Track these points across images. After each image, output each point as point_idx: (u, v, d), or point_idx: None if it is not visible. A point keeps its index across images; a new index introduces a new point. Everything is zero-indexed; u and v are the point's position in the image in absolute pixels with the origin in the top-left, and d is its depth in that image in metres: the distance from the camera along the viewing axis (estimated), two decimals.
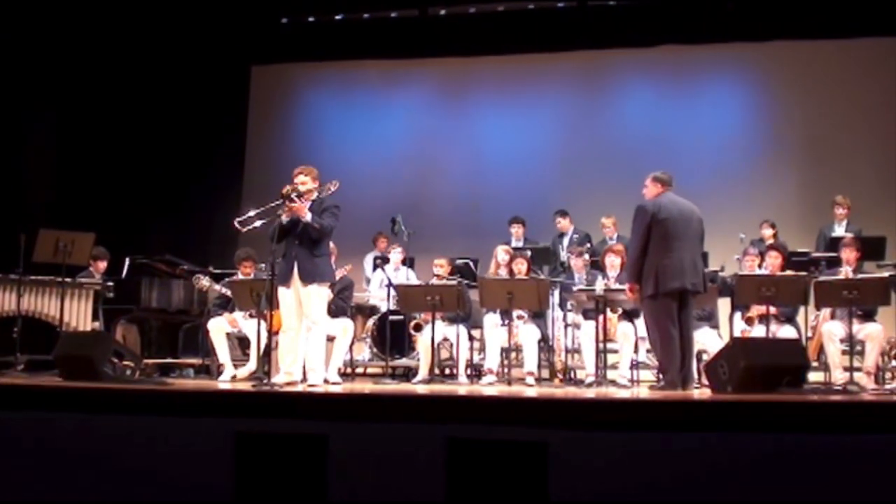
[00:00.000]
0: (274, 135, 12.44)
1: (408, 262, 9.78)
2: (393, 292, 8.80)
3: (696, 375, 7.59)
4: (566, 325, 8.54)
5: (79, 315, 8.42)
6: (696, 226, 6.82)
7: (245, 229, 6.83)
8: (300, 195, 6.71)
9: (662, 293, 6.63)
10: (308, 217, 6.73)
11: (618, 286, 7.63)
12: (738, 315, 8.06)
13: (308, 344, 6.85)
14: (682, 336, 6.71)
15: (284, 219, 6.73)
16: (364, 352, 9.49)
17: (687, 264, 6.65)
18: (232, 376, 7.83)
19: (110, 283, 8.71)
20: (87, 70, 11.38)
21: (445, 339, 8.30)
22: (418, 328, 8.36)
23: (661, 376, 7.07)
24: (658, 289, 6.63)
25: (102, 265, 8.95)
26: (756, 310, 7.76)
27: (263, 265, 7.84)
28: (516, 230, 10.12)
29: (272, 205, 6.79)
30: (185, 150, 11.82)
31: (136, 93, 11.58)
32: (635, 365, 7.95)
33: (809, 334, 7.82)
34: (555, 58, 11.71)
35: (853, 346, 7.30)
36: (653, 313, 6.77)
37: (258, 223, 6.80)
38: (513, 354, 8.14)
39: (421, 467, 4.81)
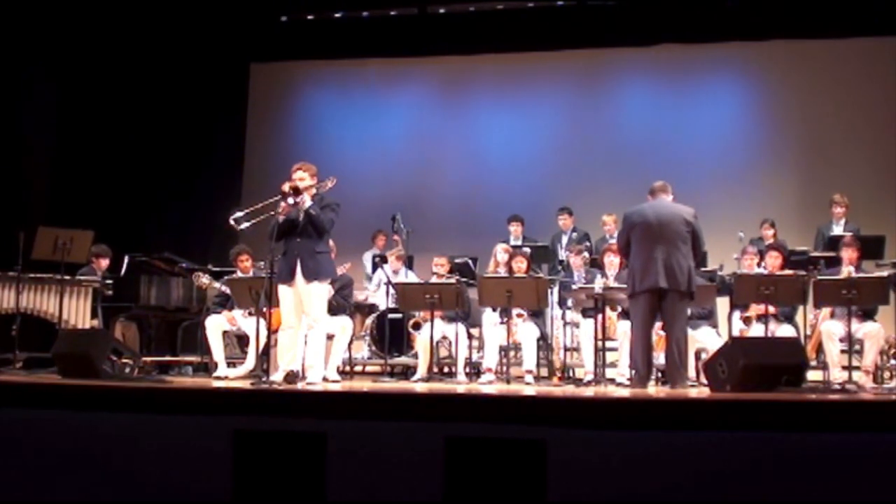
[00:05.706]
0: (273, 133, 12.42)
1: (406, 262, 9.77)
2: (392, 290, 8.79)
3: (694, 374, 7.63)
4: (565, 324, 8.54)
5: (78, 313, 8.42)
6: (678, 228, 6.91)
7: (240, 227, 6.84)
8: (299, 192, 6.70)
9: (637, 293, 6.95)
10: (308, 203, 6.72)
11: (617, 285, 7.65)
12: (736, 314, 8.05)
13: (308, 342, 6.85)
14: (666, 336, 6.94)
15: (281, 218, 6.72)
16: (363, 350, 9.48)
17: (660, 265, 6.81)
18: (225, 376, 7.83)
19: (109, 281, 8.71)
20: (86, 68, 11.37)
21: (444, 338, 8.30)
22: (417, 326, 8.35)
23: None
24: (633, 289, 6.97)
25: (105, 262, 8.95)
26: (755, 309, 7.76)
27: (262, 263, 7.83)
28: (515, 228, 10.11)
29: (268, 202, 6.79)
30: (184, 148, 11.80)
31: (135, 90, 11.57)
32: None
33: (808, 332, 7.82)
34: (554, 56, 11.70)
35: (852, 345, 7.30)
36: (630, 312, 7.20)
37: (251, 221, 6.79)
38: (511, 353, 8.13)
39: (419, 466, 4.81)
